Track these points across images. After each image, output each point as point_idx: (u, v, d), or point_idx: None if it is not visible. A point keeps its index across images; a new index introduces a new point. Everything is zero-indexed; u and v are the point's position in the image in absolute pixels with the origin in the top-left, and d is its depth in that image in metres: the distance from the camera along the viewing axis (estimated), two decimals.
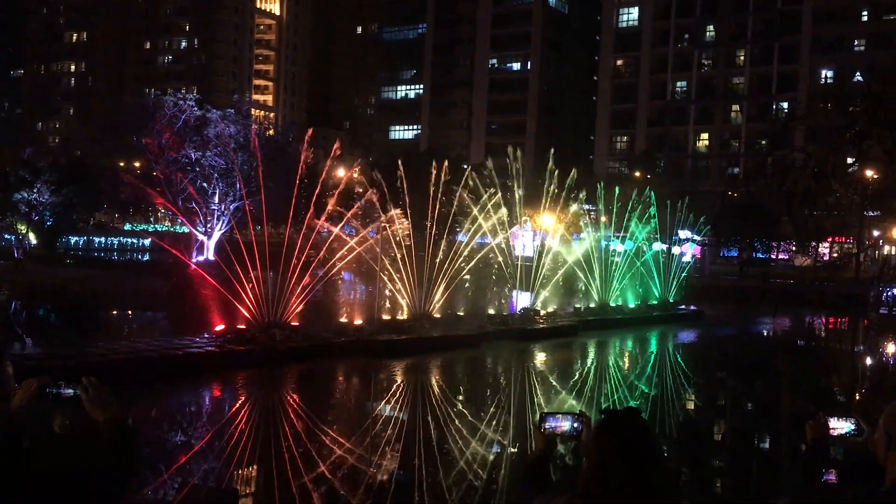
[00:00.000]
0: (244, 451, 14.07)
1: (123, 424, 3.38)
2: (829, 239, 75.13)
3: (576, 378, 23.50)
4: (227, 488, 11.21)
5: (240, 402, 18.81)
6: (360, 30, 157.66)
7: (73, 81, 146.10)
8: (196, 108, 49.21)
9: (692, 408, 20.97)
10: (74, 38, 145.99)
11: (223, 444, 14.23)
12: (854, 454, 3.71)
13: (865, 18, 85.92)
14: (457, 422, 16.71)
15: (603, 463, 2.80)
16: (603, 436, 2.86)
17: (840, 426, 3.71)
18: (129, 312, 34.10)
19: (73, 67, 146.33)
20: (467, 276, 28.48)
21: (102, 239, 75.41)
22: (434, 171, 27.46)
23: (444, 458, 13.76)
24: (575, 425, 3.38)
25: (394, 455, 13.90)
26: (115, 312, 34.02)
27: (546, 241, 33.52)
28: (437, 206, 27.46)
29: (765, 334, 39.11)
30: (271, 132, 66.19)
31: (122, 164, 64.88)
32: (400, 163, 28.16)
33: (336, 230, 24.32)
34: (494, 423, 17.03)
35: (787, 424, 17.98)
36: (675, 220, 42.75)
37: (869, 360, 31.28)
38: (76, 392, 3.48)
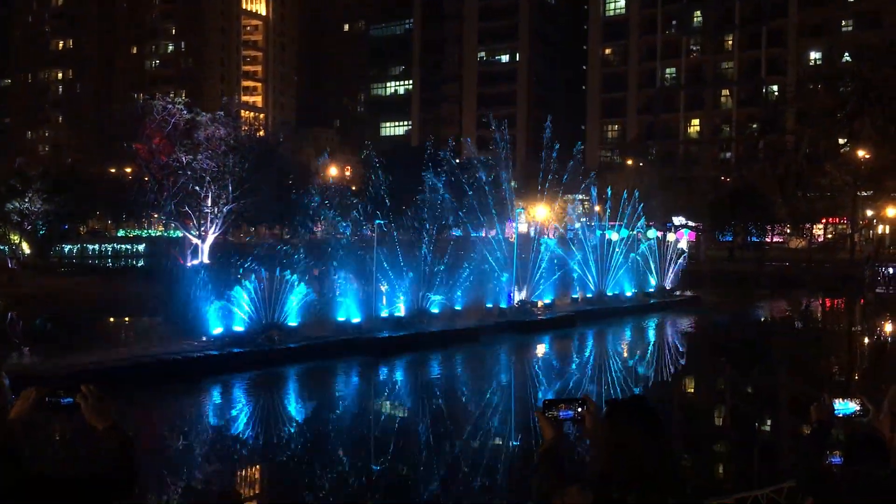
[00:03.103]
0: (246, 454, 14.04)
1: (122, 432, 3.36)
2: (823, 220, 75.31)
3: (577, 369, 23.52)
4: (229, 491, 11.19)
5: (240, 404, 18.77)
6: (347, 27, 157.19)
7: (60, 89, 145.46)
8: (185, 111, 49.01)
9: (693, 394, 21.01)
10: (61, 45, 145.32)
11: (225, 448, 14.19)
12: (860, 435, 3.70)
13: None
14: (462, 416, 16.70)
15: (613, 450, 2.80)
16: (612, 424, 2.85)
17: (845, 407, 3.70)
18: (126, 318, 34.00)
19: (60, 75, 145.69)
20: (464, 270, 28.45)
21: (96, 246, 75.10)
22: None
23: (452, 453, 13.75)
24: (579, 410, 3.37)
25: (398, 452, 13.89)
26: (111, 319, 33.93)
27: (541, 231, 33.52)
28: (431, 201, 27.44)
29: (762, 318, 39.19)
30: (262, 133, 65.98)
31: (112, 170, 64.75)
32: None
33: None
34: (499, 416, 17.03)
35: (790, 407, 18.02)
36: (668, 206, 42.80)
37: (867, 340, 31.37)
38: (75, 401, 3.45)
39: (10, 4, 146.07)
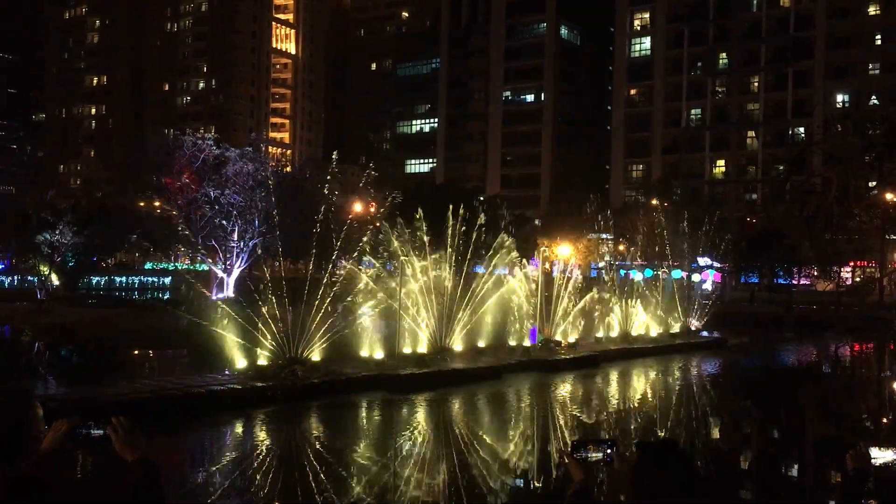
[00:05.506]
0: (268, 488, 13.98)
1: (151, 464, 3.37)
2: (851, 263, 74.32)
3: (601, 411, 23.22)
4: None
5: (263, 438, 18.74)
6: (374, 66, 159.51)
7: (93, 124, 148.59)
8: (215, 147, 49.82)
9: (720, 437, 20.63)
10: (94, 81, 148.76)
11: (247, 481, 14.15)
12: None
13: (879, 42, 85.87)
14: (485, 456, 16.53)
15: (645, 495, 2.76)
16: (644, 468, 2.82)
17: (882, 456, 3.62)
18: (151, 351, 34.23)
19: (93, 110, 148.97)
20: (488, 309, 28.37)
21: (123, 278, 75.98)
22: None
23: (478, 494, 13.58)
24: (608, 452, 3.34)
25: (420, 492, 13.75)
26: (136, 351, 34.16)
27: (565, 270, 33.43)
28: (456, 239, 27.51)
29: (789, 362, 38.57)
30: (288, 169, 66.77)
31: (142, 203, 65.62)
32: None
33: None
34: (524, 456, 16.83)
35: (822, 454, 17.64)
36: (693, 247, 42.51)
37: None
38: (105, 432, 3.48)
39: (47, 42, 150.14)
